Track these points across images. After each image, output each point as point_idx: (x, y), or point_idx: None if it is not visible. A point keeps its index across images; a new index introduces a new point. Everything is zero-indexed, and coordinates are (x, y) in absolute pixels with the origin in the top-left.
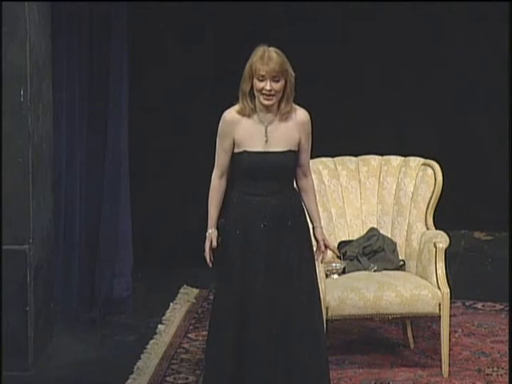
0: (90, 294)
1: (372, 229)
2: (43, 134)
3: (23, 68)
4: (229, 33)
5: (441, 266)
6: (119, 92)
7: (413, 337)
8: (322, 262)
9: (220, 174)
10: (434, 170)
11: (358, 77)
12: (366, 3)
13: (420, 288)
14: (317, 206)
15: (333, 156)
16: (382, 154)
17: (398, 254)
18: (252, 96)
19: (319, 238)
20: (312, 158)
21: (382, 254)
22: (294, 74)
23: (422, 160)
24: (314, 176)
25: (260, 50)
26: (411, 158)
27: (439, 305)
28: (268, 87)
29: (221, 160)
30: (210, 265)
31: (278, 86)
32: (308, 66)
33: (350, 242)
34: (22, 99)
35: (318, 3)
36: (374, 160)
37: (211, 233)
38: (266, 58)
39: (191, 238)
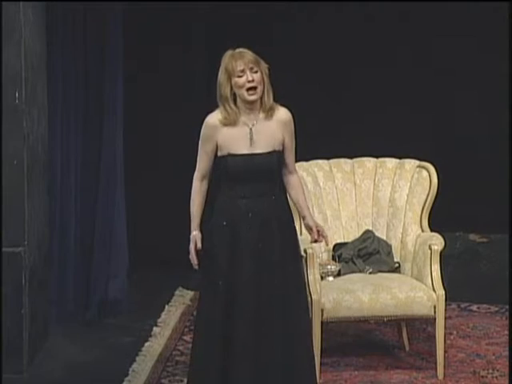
0: (85, 296)
1: (367, 231)
2: (38, 137)
3: (18, 70)
4: (225, 34)
5: (436, 268)
6: (115, 93)
7: (408, 339)
8: (316, 242)
9: (201, 177)
10: (429, 172)
11: (353, 78)
12: (361, 4)
13: (415, 290)
14: (305, 199)
15: (328, 158)
16: (377, 156)
17: (393, 256)
18: (234, 100)
19: (311, 224)
20: (307, 160)
21: (377, 256)
22: (267, 65)
23: (417, 162)
24: (309, 178)
25: (228, 52)
26: (406, 161)
27: (434, 307)
28: (250, 77)
29: (203, 163)
30: (197, 267)
31: (257, 76)
32: (302, 67)
33: (345, 244)
34: (17, 101)
35: (315, 3)
36: (369, 162)
37: (195, 235)
38: (238, 54)
39: (186, 239)
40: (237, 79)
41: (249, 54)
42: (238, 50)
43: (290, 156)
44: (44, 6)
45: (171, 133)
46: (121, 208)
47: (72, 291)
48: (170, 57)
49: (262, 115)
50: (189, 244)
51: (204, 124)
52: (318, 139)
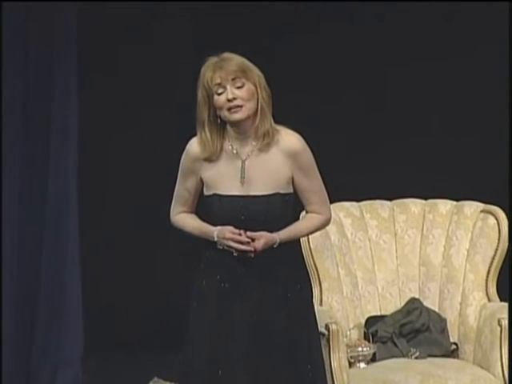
0: None
1: (413, 300)
2: None
3: None
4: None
5: (507, 350)
6: (65, 113)
7: None
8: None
9: (181, 211)
10: (497, 219)
11: (392, 92)
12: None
13: (479, 381)
14: (303, 228)
15: (358, 200)
16: (425, 197)
17: (448, 335)
18: (216, 126)
19: (262, 235)
20: (330, 202)
21: (426, 334)
22: (262, 75)
23: (480, 205)
24: (333, 227)
25: (208, 60)
26: (466, 203)
27: None
28: (230, 95)
29: (182, 200)
30: (248, 240)
31: (243, 91)
32: (324, 79)
33: (382, 317)
34: None
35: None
36: (414, 205)
37: (219, 229)
38: (218, 63)
39: (165, 309)
40: (216, 97)
41: (233, 62)
42: (219, 57)
43: (308, 198)
44: None
45: (142, 167)
46: (74, 268)
47: (6, 382)
48: (136, 70)
49: (258, 145)
50: (171, 312)
51: (185, 152)
52: (345, 174)
